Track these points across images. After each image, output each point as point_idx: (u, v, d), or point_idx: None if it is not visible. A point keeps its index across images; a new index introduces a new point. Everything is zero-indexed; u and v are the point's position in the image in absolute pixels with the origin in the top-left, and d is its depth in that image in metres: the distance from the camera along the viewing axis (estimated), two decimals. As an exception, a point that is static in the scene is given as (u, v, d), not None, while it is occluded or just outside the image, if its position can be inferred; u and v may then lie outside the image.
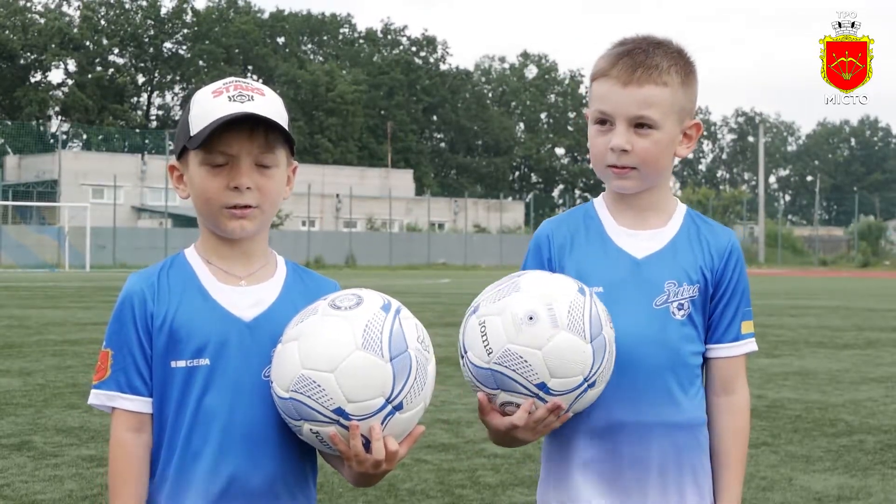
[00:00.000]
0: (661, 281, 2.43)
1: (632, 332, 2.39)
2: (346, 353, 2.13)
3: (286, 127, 2.30)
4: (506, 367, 2.24)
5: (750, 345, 2.50)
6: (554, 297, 2.26)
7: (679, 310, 2.43)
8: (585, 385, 2.26)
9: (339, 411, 2.13)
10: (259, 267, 2.37)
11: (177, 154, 2.36)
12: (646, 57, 2.42)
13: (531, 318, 2.23)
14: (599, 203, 2.57)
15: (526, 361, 2.22)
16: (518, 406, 2.27)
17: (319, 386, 2.13)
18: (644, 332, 2.40)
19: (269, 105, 2.29)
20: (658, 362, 2.40)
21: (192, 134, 2.27)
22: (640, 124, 2.41)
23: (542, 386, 2.23)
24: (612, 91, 2.41)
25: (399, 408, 2.15)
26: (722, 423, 2.47)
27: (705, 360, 2.50)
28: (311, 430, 2.18)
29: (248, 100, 2.27)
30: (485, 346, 2.26)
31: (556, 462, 2.46)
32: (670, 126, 2.44)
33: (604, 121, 2.43)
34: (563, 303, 2.25)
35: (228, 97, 2.27)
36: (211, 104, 2.27)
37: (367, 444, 2.15)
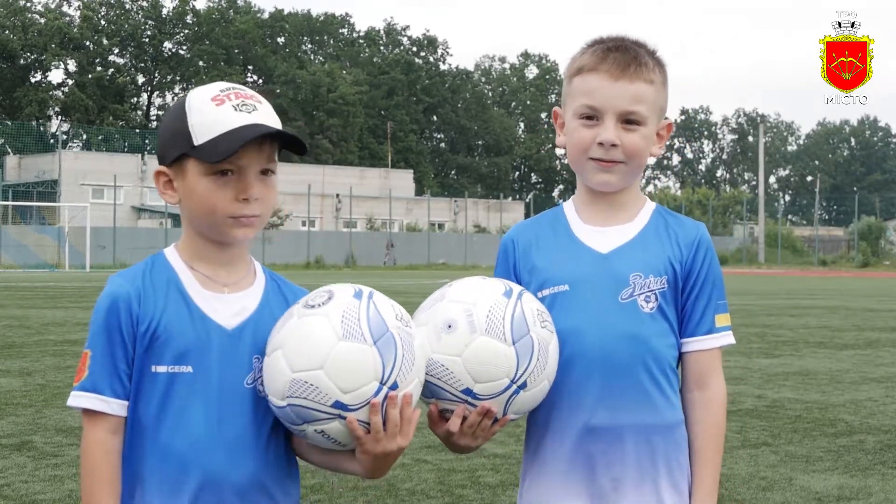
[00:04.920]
0: (626, 274, 2.40)
1: (599, 327, 2.37)
2: (329, 347, 2.14)
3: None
4: (432, 376, 2.26)
5: (725, 338, 2.46)
6: (474, 303, 2.27)
7: (647, 302, 2.39)
8: (514, 387, 2.25)
9: (338, 405, 2.14)
10: (242, 274, 2.36)
11: (168, 160, 2.32)
12: (635, 54, 2.43)
13: (450, 327, 2.26)
14: (569, 205, 2.56)
15: (448, 369, 2.24)
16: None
17: (312, 385, 2.14)
18: (612, 327, 2.37)
19: (271, 113, 2.29)
20: (629, 357, 2.36)
21: (196, 143, 2.23)
22: (628, 120, 2.41)
23: (468, 391, 2.25)
24: (602, 85, 2.40)
25: (394, 387, 2.16)
26: (696, 419, 2.43)
27: (680, 355, 2.46)
28: (315, 430, 2.18)
29: (253, 109, 2.25)
30: None
31: (532, 464, 2.46)
32: (653, 123, 2.45)
33: (590, 115, 2.42)
34: (483, 307, 2.26)
35: (233, 106, 2.24)
36: (216, 113, 2.23)
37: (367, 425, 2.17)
